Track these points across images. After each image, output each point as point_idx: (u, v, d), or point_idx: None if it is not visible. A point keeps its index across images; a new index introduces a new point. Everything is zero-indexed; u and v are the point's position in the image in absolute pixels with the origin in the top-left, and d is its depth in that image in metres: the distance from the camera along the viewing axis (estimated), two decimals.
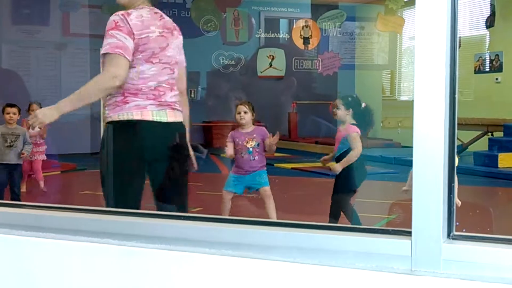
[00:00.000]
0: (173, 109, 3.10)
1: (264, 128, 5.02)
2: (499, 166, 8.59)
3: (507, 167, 8.55)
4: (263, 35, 12.68)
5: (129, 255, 1.67)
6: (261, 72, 12.22)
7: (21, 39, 10.26)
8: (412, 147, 1.41)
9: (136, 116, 2.99)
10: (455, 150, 1.43)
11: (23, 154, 5.80)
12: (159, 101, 3.04)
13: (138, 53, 3.02)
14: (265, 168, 5.04)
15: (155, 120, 3.01)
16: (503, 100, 10.06)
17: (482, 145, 9.42)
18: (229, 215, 1.50)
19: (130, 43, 2.97)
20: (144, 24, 3.04)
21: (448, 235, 1.41)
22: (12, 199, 5.67)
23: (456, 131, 1.41)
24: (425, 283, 1.39)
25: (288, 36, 12.55)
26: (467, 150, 9.33)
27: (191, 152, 3.31)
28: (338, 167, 4.52)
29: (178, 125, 3.14)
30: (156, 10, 3.16)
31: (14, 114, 5.84)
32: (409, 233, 1.42)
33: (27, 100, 8.10)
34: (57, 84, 9.56)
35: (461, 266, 1.37)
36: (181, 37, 3.24)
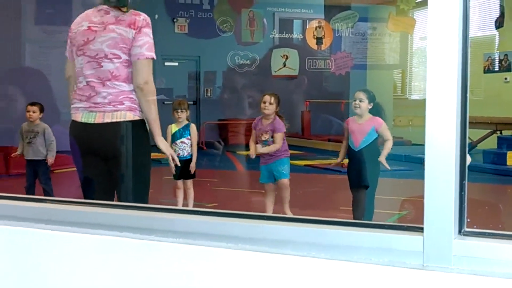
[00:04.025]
0: (103, 111, 3.08)
1: (281, 122, 5.02)
2: (508, 164, 8.54)
3: None
4: (277, 36, 12.67)
5: (147, 248, 1.68)
6: (275, 72, 12.21)
7: (43, 39, 10.33)
8: (422, 145, 1.41)
9: (72, 117, 3.18)
10: (467, 148, 1.42)
11: (48, 160, 5.89)
12: (89, 103, 3.10)
13: (72, 47, 3.19)
14: (288, 155, 5.07)
15: (82, 121, 3.12)
16: None
17: (491, 143, 9.36)
18: (247, 210, 1.51)
19: (68, 41, 3.22)
20: (80, 20, 3.18)
21: (459, 231, 1.40)
22: (44, 195, 5.74)
23: (467, 129, 1.40)
24: (437, 278, 1.38)
25: (302, 37, 12.54)
26: (477, 148, 9.27)
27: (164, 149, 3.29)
28: (384, 160, 4.54)
29: (110, 126, 3.09)
30: (103, 8, 3.14)
31: (34, 112, 5.89)
32: (421, 229, 1.42)
33: (51, 98, 8.16)
34: None
35: (472, 262, 1.37)
36: (130, 31, 3.06)
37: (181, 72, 12.35)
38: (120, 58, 3.06)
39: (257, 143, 5.03)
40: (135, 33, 3.05)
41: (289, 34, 12.88)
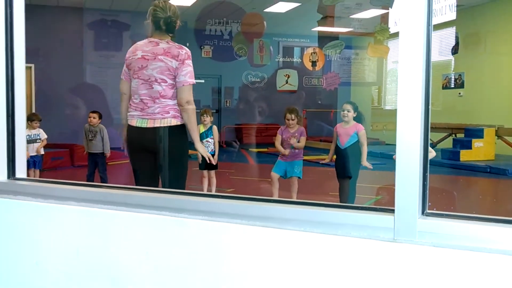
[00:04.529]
0: (154, 118, 3.08)
1: (304, 129, 5.02)
2: (460, 160, 8.49)
3: (466, 161, 8.45)
4: (281, 59, 12.65)
5: (181, 224, 1.68)
6: (279, 87, 12.19)
7: (100, 61, 10.38)
8: (394, 144, 1.40)
9: (129, 122, 3.18)
10: (429, 147, 1.41)
11: (106, 155, 5.96)
12: (143, 113, 3.11)
13: (129, 71, 3.18)
14: (302, 159, 5.04)
15: (137, 126, 3.13)
16: (465, 109, 9.95)
17: (447, 144, 9.31)
18: (257, 195, 1.50)
19: (124, 66, 3.21)
20: (134, 49, 3.17)
21: (423, 212, 1.40)
22: (101, 182, 5.78)
23: (429, 132, 1.39)
24: (404, 249, 1.37)
25: (300, 60, 12.51)
26: (436, 147, 9.22)
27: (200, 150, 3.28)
28: (366, 163, 4.54)
29: (159, 129, 3.10)
30: (154, 40, 3.13)
31: (94, 118, 5.99)
32: (392, 211, 1.41)
33: (106, 107, 8.21)
34: None
35: (433, 236, 1.36)
36: (173, 62, 3.05)
37: (206, 87, 12.35)
38: (166, 82, 3.07)
39: (282, 145, 4.99)
40: (179, 63, 3.05)
41: (291, 58, 12.85)
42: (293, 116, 4.92)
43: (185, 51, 3.09)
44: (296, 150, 4.92)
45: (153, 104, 3.08)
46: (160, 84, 3.07)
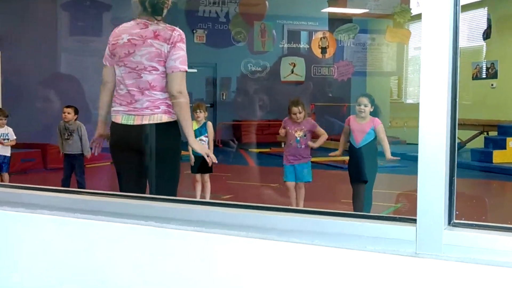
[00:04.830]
0: (142, 114, 3.07)
1: (311, 119, 5.02)
2: (493, 161, 8.49)
3: (500, 163, 8.45)
4: (286, 45, 12.65)
5: (168, 235, 1.68)
6: (284, 78, 12.18)
7: (77, 48, 10.38)
8: (416, 144, 1.40)
9: (113, 118, 3.16)
10: (456, 147, 1.41)
11: (86, 156, 5.96)
12: (129, 107, 3.09)
13: (113, 57, 3.16)
14: (310, 159, 5.06)
15: (122, 123, 3.11)
16: (498, 103, 9.94)
17: (478, 143, 9.31)
18: (258, 202, 1.50)
19: (107, 50, 3.18)
20: (119, 32, 3.16)
21: (449, 223, 1.40)
22: (78, 187, 5.78)
23: (456, 130, 1.39)
24: (428, 265, 1.37)
25: (308, 46, 12.50)
26: (465, 147, 9.22)
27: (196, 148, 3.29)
28: (391, 157, 4.58)
29: (147, 127, 3.10)
30: (142, 21, 3.11)
31: (69, 113, 6.00)
32: (414, 221, 1.41)
33: (84, 101, 8.21)
34: None
35: (460, 250, 1.36)
36: (165, 46, 3.03)
37: (200, 78, 12.36)
38: (158, 70, 3.06)
39: (286, 142, 5.01)
40: (170, 47, 3.03)
41: (297, 44, 12.84)
42: (300, 108, 4.92)
43: (178, 33, 3.08)
44: (303, 146, 4.92)
45: (141, 96, 3.07)
46: (150, 72, 3.06)
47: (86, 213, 1.82)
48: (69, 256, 1.84)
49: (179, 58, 3.06)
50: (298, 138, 4.90)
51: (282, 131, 5.03)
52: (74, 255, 1.83)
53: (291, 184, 5.04)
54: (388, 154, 4.56)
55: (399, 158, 4.58)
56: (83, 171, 6.09)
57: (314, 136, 5.01)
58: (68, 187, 5.76)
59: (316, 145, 4.93)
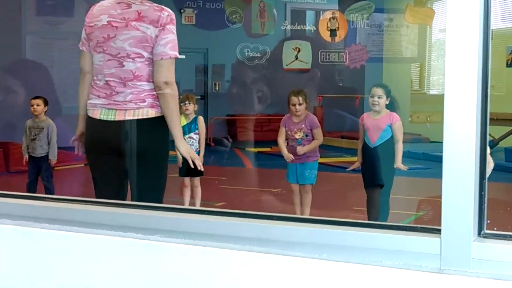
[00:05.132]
0: (125, 109, 3.06)
1: (314, 117, 5.02)
2: None
3: None
4: (289, 27, 12.65)
5: (152, 249, 1.68)
6: (287, 65, 12.19)
7: (45, 30, 10.37)
8: (441, 142, 1.40)
9: (89, 113, 3.14)
10: (487, 146, 1.41)
11: (50, 160, 5.94)
12: (109, 101, 3.08)
13: (89, 41, 3.15)
14: (317, 159, 5.06)
15: (101, 119, 3.09)
16: None
17: None
18: (256, 210, 1.51)
19: (83, 33, 3.17)
20: (97, 13, 3.13)
21: (479, 233, 1.40)
22: (45, 193, 5.78)
23: (488, 126, 1.40)
24: (454, 283, 1.37)
25: (315, 28, 12.50)
26: (499, 145, 9.22)
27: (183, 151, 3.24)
28: (401, 166, 4.58)
29: (131, 123, 3.08)
30: (124, 0, 3.09)
31: (38, 105, 5.95)
32: (438, 231, 1.41)
33: (53, 92, 8.21)
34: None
35: (492, 265, 1.36)
36: (152, 29, 3.02)
37: (188, 65, 12.35)
38: (142, 57, 3.05)
39: (287, 143, 5.00)
40: (159, 30, 3.02)
41: (302, 26, 12.85)
42: (300, 99, 4.91)
43: (167, 13, 3.07)
44: (306, 144, 4.94)
45: (123, 88, 3.06)
46: (134, 60, 3.05)
47: (55, 223, 1.82)
48: (34, 272, 1.84)
49: (169, 43, 3.04)
50: (300, 139, 4.91)
51: (282, 143, 5.02)
52: (39, 271, 1.83)
53: (295, 186, 5.06)
54: (399, 161, 4.56)
55: (406, 168, 4.58)
56: (51, 174, 6.08)
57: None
58: (34, 192, 5.76)
59: (303, 150, 4.91)
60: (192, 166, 3.20)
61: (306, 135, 4.93)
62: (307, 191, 5.03)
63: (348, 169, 5.17)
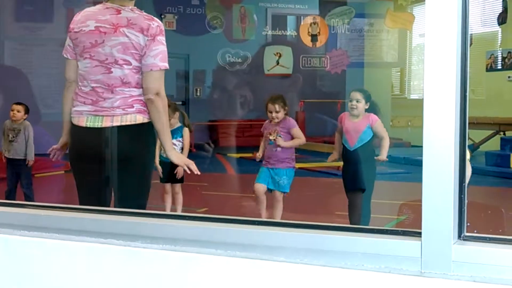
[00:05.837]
0: (112, 115, 3.03)
1: (291, 119, 4.98)
2: (511, 166, 8.57)
3: None
4: (270, 32, 12.67)
5: (133, 256, 1.68)
6: (268, 70, 12.23)
7: (24, 36, 10.29)
8: (422, 146, 1.41)
9: (74, 121, 3.10)
10: (466, 150, 1.43)
11: (28, 162, 5.90)
12: (96, 107, 3.04)
13: (75, 48, 3.11)
14: (293, 167, 4.99)
15: (88, 126, 3.05)
16: None
17: (494, 145, 9.40)
18: (238, 215, 1.50)
19: (68, 40, 3.12)
20: (83, 18, 3.10)
21: (459, 236, 1.41)
22: (25, 200, 5.72)
23: (467, 130, 1.41)
24: (435, 286, 1.38)
25: (296, 33, 12.55)
26: (479, 149, 9.30)
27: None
28: (385, 157, 4.62)
29: (119, 130, 3.04)
30: (114, 6, 3.06)
31: (19, 112, 5.97)
32: (418, 234, 1.42)
33: (32, 98, 8.15)
34: (61, 81, 9.61)
35: (473, 268, 1.37)
36: (141, 37, 3.00)
37: (169, 71, 12.25)
38: (130, 64, 3.02)
39: (265, 145, 4.99)
40: (148, 40, 3.00)
41: (283, 31, 12.88)
42: (277, 107, 4.86)
43: (157, 24, 3.05)
44: (279, 149, 4.89)
45: (110, 94, 3.02)
46: (121, 67, 3.01)
47: (34, 230, 1.81)
48: (13, 280, 1.83)
49: (159, 54, 3.03)
50: (272, 141, 4.87)
51: (261, 145, 5.01)
52: (18, 279, 1.82)
53: (258, 187, 4.93)
54: (384, 154, 4.59)
55: (386, 159, 4.62)
56: (31, 182, 6.04)
57: (293, 138, 4.94)
58: (14, 200, 5.71)
59: (284, 144, 4.84)
60: (189, 172, 3.20)
61: (281, 136, 4.87)
62: (277, 199, 4.91)
63: (328, 161, 5.12)
